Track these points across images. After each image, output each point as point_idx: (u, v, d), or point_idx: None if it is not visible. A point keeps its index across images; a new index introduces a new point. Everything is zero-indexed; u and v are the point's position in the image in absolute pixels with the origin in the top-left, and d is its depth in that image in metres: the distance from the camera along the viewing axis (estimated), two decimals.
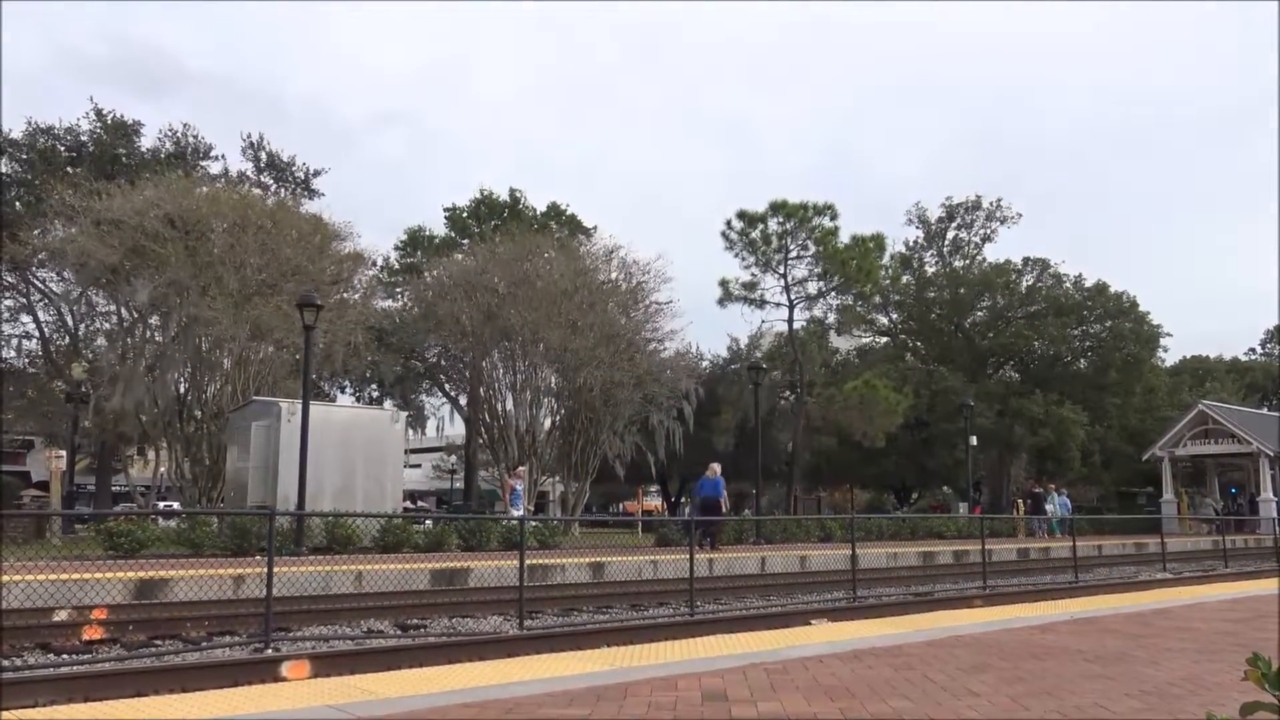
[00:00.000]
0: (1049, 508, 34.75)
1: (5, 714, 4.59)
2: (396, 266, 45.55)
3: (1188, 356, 66.06)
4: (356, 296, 33.41)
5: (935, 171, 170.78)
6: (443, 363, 40.63)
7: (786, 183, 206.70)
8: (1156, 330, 49.63)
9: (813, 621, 11.02)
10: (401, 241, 48.39)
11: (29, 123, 36.18)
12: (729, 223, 35.56)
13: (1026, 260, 49.96)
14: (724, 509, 23.08)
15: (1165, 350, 53.38)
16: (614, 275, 37.49)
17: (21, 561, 13.47)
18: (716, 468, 23.35)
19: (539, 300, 33.69)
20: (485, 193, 49.33)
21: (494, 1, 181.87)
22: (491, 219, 47.34)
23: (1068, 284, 49.37)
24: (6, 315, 37.75)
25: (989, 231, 51.20)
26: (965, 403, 37.81)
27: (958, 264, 51.38)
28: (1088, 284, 49.14)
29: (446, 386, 41.70)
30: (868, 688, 5.26)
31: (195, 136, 38.93)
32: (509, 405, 36.67)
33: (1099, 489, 53.66)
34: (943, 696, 5.03)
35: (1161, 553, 23.61)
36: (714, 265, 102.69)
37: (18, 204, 34.58)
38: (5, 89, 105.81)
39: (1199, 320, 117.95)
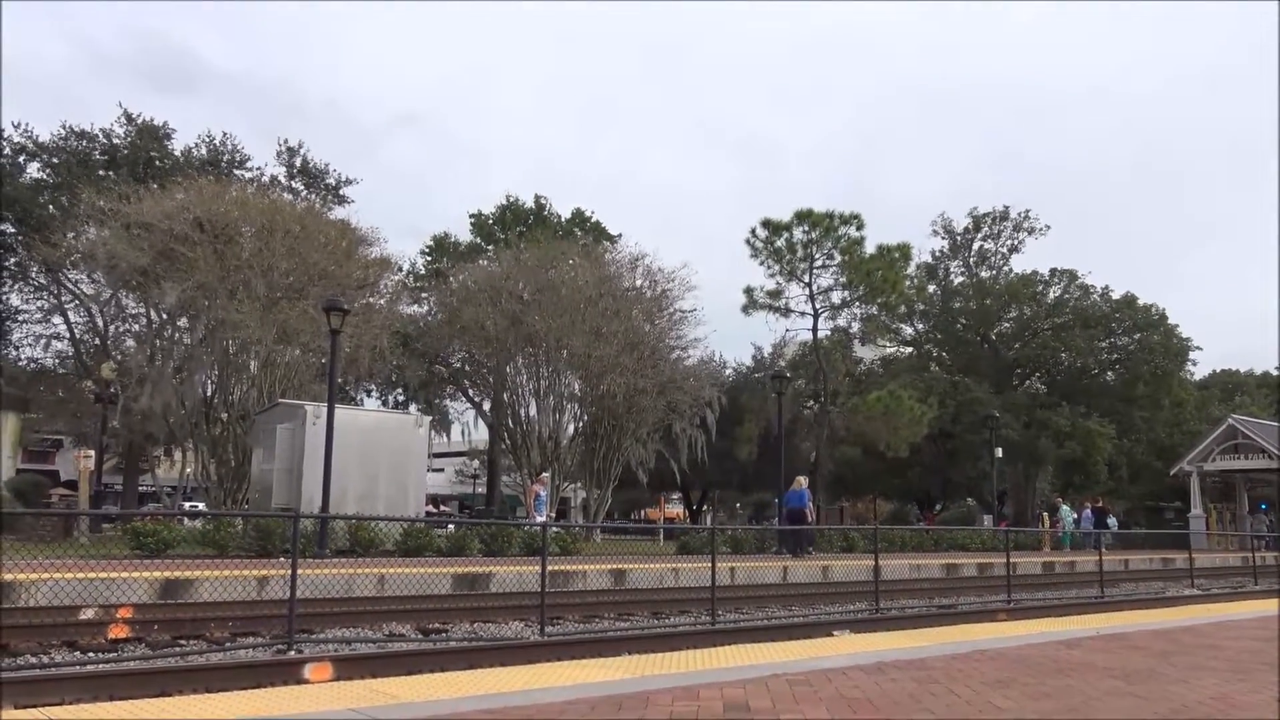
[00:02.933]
0: (1068, 520, 34.54)
1: (33, 711, 4.63)
2: (422, 272, 45.81)
3: (1217, 370, 65.29)
4: (382, 301, 33.65)
5: (958, 189, 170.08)
6: (467, 368, 40.80)
7: (807, 195, 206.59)
8: (1186, 343, 49.08)
9: (835, 633, 10.96)
10: (427, 247, 48.69)
11: (62, 126, 36.76)
12: (754, 230, 35.45)
13: (1054, 271, 49.56)
14: (810, 518, 24.64)
15: (1194, 364, 52.78)
16: (638, 282, 37.55)
17: (49, 560, 13.62)
18: (803, 480, 24.98)
19: (563, 307, 33.78)
20: (510, 199, 49.56)
21: (521, 6, 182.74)
22: (517, 225, 47.51)
23: (1095, 296, 48.92)
24: (38, 316, 38.31)
25: (1016, 242, 50.79)
26: (990, 414, 37.53)
27: (984, 274, 51.00)
28: (1116, 296, 48.68)
29: (470, 392, 41.86)
30: (890, 701, 5.21)
31: (233, 145, 39.35)
32: (532, 411, 36.80)
33: (1126, 503, 53.07)
34: (967, 711, 4.98)
35: (1190, 568, 23.31)
36: (737, 274, 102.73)
37: (50, 207, 35.04)
38: (32, 89, 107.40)
39: (1229, 334, 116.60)
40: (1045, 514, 40.47)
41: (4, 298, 38.52)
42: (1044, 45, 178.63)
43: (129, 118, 37.34)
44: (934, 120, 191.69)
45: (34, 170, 36.75)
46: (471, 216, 49.37)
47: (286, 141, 41.46)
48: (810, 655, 7.05)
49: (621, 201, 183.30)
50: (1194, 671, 6.65)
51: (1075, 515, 35.88)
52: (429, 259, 47.51)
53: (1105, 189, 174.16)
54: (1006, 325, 50.36)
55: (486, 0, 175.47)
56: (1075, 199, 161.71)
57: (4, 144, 36.08)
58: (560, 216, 49.28)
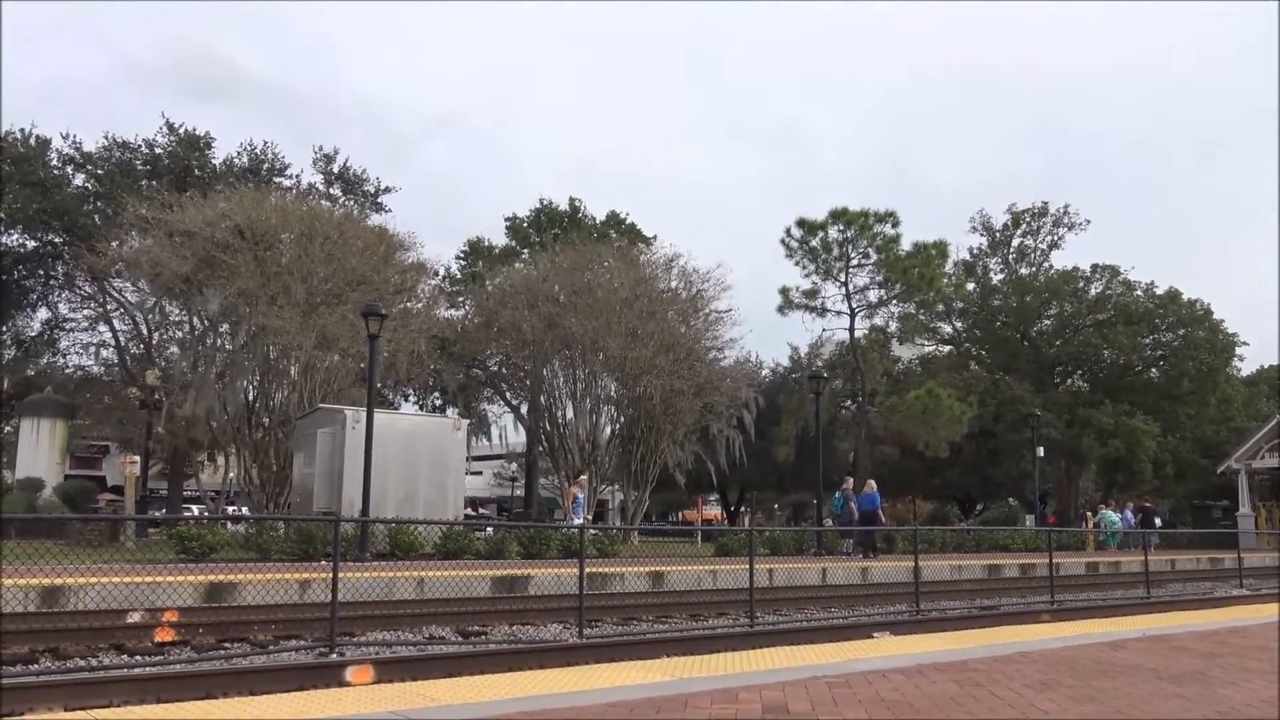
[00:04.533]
0: (1111, 521, 34.10)
1: (82, 714, 4.72)
2: (458, 276, 46.10)
3: (1265, 366, 63.93)
4: (419, 306, 33.91)
5: (997, 177, 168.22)
6: (504, 371, 40.99)
7: (844, 188, 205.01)
8: (1232, 339, 48.19)
9: (875, 635, 10.88)
10: (463, 251, 49.02)
11: (106, 136, 37.36)
12: (789, 230, 35.31)
13: (1095, 267, 48.85)
14: (881, 520, 27.16)
15: (1241, 359, 51.78)
16: (674, 284, 37.52)
17: (97, 564, 13.87)
18: (873, 484, 26.64)
19: (599, 309, 33.84)
20: (545, 202, 49.76)
21: (552, 4, 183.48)
22: (551, 228, 47.68)
23: (1138, 291, 48.17)
24: (85, 324, 39.04)
25: (1056, 238, 50.15)
26: (1032, 412, 37.03)
27: (1024, 271, 50.41)
28: (1159, 291, 47.92)
29: (508, 395, 42.05)
30: (931, 703, 5.17)
31: (273, 153, 39.82)
32: (569, 413, 36.87)
33: (1172, 501, 52.20)
34: (1009, 714, 4.93)
35: (1238, 568, 22.88)
36: (774, 273, 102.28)
37: (96, 217, 35.69)
38: (73, 99, 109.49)
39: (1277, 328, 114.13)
40: (1089, 514, 39.89)
41: (53, 306, 39.35)
42: (1079, 20, 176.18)
43: (171, 128, 37.94)
44: (969, 103, 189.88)
45: (80, 180, 37.46)
46: (506, 220, 49.68)
47: (323, 149, 41.87)
48: (849, 657, 7.01)
49: (656, 199, 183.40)
50: (1242, 674, 6.53)
51: (1119, 517, 35.30)
52: (464, 263, 47.82)
53: (1149, 168, 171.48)
54: (1047, 322, 49.73)
55: (520, 1, 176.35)
56: (1118, 179, 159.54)
57: (52, 154, 36.81)
58: (595, 219, 49.41)
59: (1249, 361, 56.32)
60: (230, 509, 36.46)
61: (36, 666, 8.75)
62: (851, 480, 27.89)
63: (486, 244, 49.03)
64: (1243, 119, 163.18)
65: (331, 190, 40.32)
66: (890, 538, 27.90)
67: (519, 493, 61.10)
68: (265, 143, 40.30)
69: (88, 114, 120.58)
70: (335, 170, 40.44)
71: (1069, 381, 50.54)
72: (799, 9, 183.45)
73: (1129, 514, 35.88)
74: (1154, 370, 49.21)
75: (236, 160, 39.02)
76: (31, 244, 37.18)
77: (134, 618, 10.79)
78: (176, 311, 34.20)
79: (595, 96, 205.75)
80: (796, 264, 35.56)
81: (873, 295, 36.59)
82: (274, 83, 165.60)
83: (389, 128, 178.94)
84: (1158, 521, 36.38)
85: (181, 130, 38.13)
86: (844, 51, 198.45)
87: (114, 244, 31.68)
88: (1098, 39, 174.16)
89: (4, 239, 36.76)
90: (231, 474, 36.27)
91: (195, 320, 32.44)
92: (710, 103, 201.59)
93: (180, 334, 35.19)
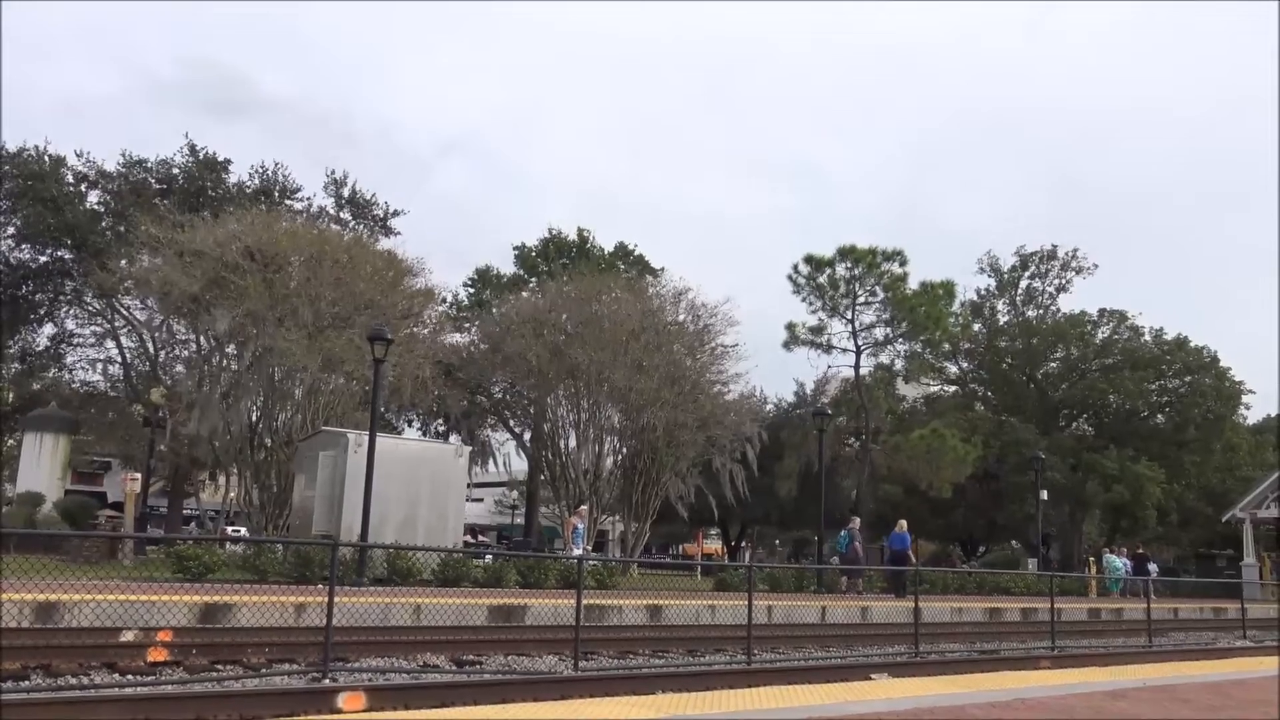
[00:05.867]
0: (1115, 568, 33.84)
1: None
2: (465, 302, 46.23)
3: (1272, 415, 63.71)
4: (426, 331, 33.95)
5: (1008, 219, 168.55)
6: (508, 399, 40.99)
7: (854, 226, 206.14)
8: (1239, 387, 48.09)
9: (873, 676, 10.78)
10: (470, 279, 49.18)
11: (124, 154, 37.67)
12: (796, 266, 35.44)
13: (1103, 312, 48.86)
14: (912, 560, 26.69)
15: (1248, 408, 51.59)
16: (681, 317, 37.56)
17: (93, 581, 13.82)
18: (904, 524, 26.39)
19: (605, 340, 33.86)
20: (554, 232, 49.96)
21: (574, 33, 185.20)
22: (560, 258, 47.85)
23: (1146, 337, 48.15)
24: (92, 340, 39.19)
25: (1064, 281, 50.13)
26: (1036, 455, 36.92)
27: (1031, 314, 50.41)
28: (1167, 337, 47.90)
29: (511, 423, 42.01)
30: None
31: (284, 176, 40.12)
32: (572, 443, 36.81)
33: (1176, 549, 51.84)
34: None
35: (1242, 619, 22.65)
36: (780, 308, 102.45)
37: (107, 234, 35.91)
38: (92, 116, 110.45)
39: None
40: (1091, 559, 39.61)
41: (60, 322, 39.51)
42: (1096, 67, 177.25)
43: (193, 149, 38.24)
44: (984, 145, 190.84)
45: (94, 198, 37.74)
46: (515, 248, 49.90)
47: (334, 172, 42.25)
48: (846, 699, 6.93)
49: (666, 232, 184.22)
50: None
51: (1124, 564, 35.05)
52: (472, 291, 47.98)
53: (1159, 215, 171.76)
54: (1053, 365, 49.68)
55: (538, 20, 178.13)
56: (1128, 224, 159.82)
57: (66, 172, 37.11)
58: (603, 249, 49.58)
59: (1255, 410, 56.15)
60: (230, 529, 36.35)
61: (28, 683, 8.69)
62: (858, 520, 27.62)
63: (495, 272, 49.22)
64: (1259, 167, 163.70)
65: (342, 214, 40.58)
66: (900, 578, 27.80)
67: (519, 520, 60.88)
68: (276, 164, 40.55)
69: (103, 130, 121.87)
70: (346, 194, 40.73)
71: (1074, 425, 50.38)
72: (821, 46, 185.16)
73: (1126, 560, 35.63)
74: (1160, 416, 49.04)
75: (248, 183, 39.32)
76: (41, 259, 37.40)
77: (128, 636, 10.72)
78: (183, 330, 34.31)
79: (613, 127, 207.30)
80: (803, 300, 35.67)
81: (879, 333, 36.67)
82: (291, 102, 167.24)
83: (403, 151, 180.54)
84: (1152, 569, 36.07)
85: (204, 153, 38.44)
86: (864, 91, 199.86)
87: (124, 262, 31.85)
88: (1118, 83, 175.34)
89: (13, 255, 37.02)
90: (232, 494, 36.22)
91: (202, 339, 32.52)
92: (724, 137, 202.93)
93: (186, 353, 35.30)
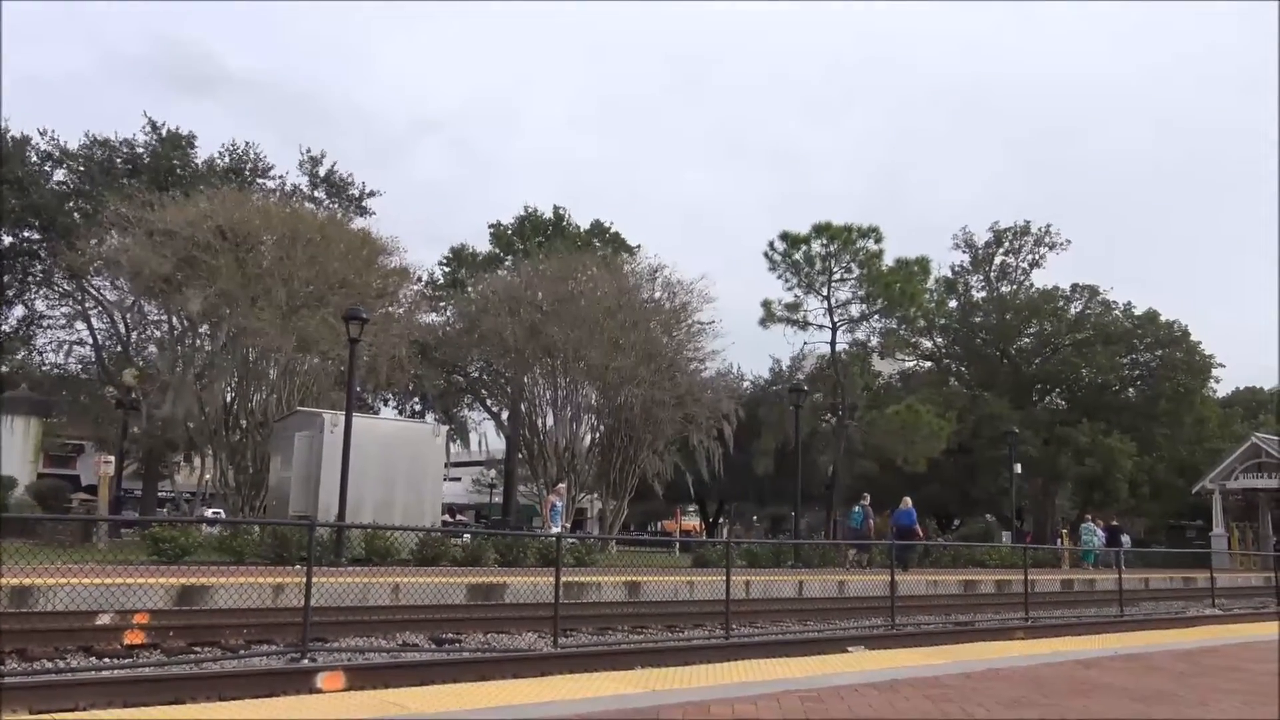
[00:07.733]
0: (1092, 539, 34.19)
1: (48, 717, 4.65)
2: (441, 281, 45.94)
3: (1241, 388, 64.62)
4: (401, 310, 33.74)
5: (985, 199, 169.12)
6: (485, 378, 40.85)
7: (832, 206, 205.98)
8: (1209, 360, 48.67)
9: (850, 648, 10.89)
10: (446, 257, 48.83)
11: (86, 134, 37.08)
12: (772, 244, 35.45)
13: (1075, 287, 49.31)
14: (919, 535, 27.94)
15: (1217, 381, 52.30)
16: (657, 294, 37.51)
17: (68, 565, 13.70)
18: (909, 500, 27.57)
19: (582, 318, 33.79)
20: (530, 210, 49.68)
21: (551, 14, 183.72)
22: (536, 236, 47.62)
23: (1117, 312, 48.63)
24: (62, 322, 38.68)
25: (1037, 257, 50.51)
26: (1010, 430, 37.24)
27: (1005, 289, 50.76)
28: (1138, 312, 48.38)
29: (488, 401, 41.92)
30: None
31: (255, 154, 39.62)
32: (549, 421, 36.76)
33: (1147, 521, 52.53)
34: None
35: (1211, 588, 23.04)
36: (757, 286, 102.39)
37: (75, 214, 35.39)
38: (57, 95, 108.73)
39: (1253, 352, 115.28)
40: (1065, 531, 40.06)
41: (29, 303, 38.96)
42: (1073, 49, 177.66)
43: (154, 126, 37.69)
44: (962, 126, 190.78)
45: (59, 177, 37.13)
46: (491, 227, 49.56)
47: (309, 151, 41.63)
48: (824, 672, 7.00)
49: (645, 214, 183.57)
50: (1214, 694, 6.56)
51: (1100, 535, 35.41)
52: (447, 269, 47.68)
53: (1134, 194, 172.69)
54: (1027, 340, 50.08)
55: (517, 2, 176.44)
56: (1104, 204, 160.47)
57: (31, 151, 36.48)
58: (579, 227, 49.38)
59: (1225, 383, 56.93)
60: (207, 511, 36.16)
61: (2, 668, 8.64)
62: (869, 497, 28.47)
63: (470, 250, 48.88)
64: (1238, 147, 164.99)
65: (316, 193, 40.17)
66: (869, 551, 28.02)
67: (497, 499, 60.89)
68: (247, 143, 40.02)
69: (68, 106, 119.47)
70: (321, 173, 40.29)
71: (1047, 400, 50.87)
72: (802, 30, 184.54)
73: (1101, 532, 36.01)
74: (1131, 390, 49.64)
75: (218, 161, 38.81)
76: (9, 241, 36.83)
77: (104, 620, 10.67)
78: (155, 311, 33.93)
79: (592, 109, 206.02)
80: (779, 277, 35.72)
81: (854, 310, 36.80)
82: (262, 80, 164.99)
83: (378, 132, 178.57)
84: (1125, 540, 36.53)
85: (164, 130, 37.91)
86: (845, 72, 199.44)
87: (93, 242, 31.42)
88: (1095, 64, 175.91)
89: None
90: (208, 476, 35.99)
91: (174, 320, 32.18)
92: (700, 122, 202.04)
93: (159, 334, 34.90)
